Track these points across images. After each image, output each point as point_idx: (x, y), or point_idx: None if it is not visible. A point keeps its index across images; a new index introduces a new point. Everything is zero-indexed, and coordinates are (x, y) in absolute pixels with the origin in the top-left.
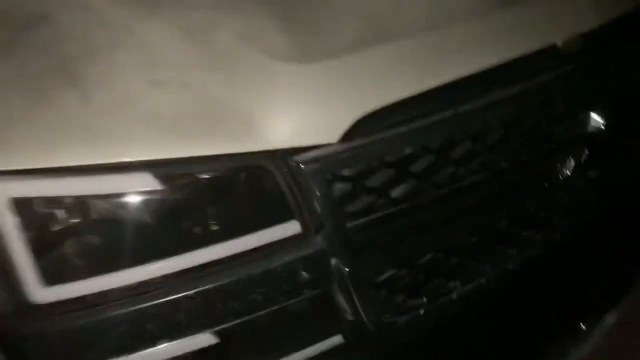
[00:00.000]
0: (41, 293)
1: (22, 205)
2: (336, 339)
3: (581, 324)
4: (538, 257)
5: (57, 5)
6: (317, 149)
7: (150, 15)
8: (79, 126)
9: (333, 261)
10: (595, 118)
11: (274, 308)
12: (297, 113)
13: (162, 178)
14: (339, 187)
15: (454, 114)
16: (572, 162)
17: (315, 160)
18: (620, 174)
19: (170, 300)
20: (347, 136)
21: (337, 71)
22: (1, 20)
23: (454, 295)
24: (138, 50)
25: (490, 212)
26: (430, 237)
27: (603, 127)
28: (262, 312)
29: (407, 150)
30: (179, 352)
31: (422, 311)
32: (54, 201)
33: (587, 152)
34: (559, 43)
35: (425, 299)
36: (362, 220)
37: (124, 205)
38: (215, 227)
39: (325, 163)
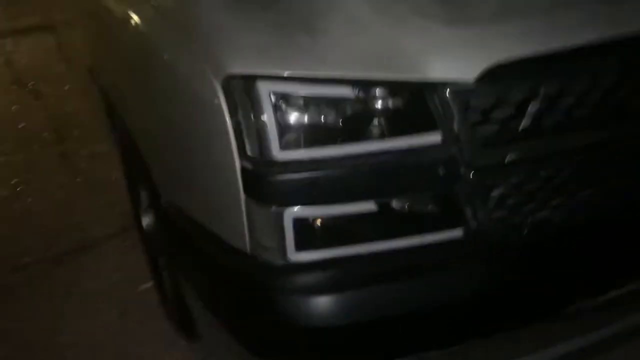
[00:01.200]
0: (280, 154)
1: (278, 96)
2: (458, 232)
3: None
4: None
5: None
6: (460, 84)
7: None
8: (310, 55)
9: (462, 167)
10: None
11: (416, 193)
12: (448, 60)
13: (357, 89)
14: (471, 113)
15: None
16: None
17: (456, 91)
18: None
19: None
20: (481, 79)
21: (479, 35)
22: None
23: (555, 216)
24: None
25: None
26: (534, 165)
27: None
28: (406, 194)
29: (519, 95)
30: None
31: (527, 222)
32: (298, 96)
33: None
34: None
35: (529, 214)
36: (484, 139)
37: (335, 103)
38: (388, 129)
39: (464, 94)
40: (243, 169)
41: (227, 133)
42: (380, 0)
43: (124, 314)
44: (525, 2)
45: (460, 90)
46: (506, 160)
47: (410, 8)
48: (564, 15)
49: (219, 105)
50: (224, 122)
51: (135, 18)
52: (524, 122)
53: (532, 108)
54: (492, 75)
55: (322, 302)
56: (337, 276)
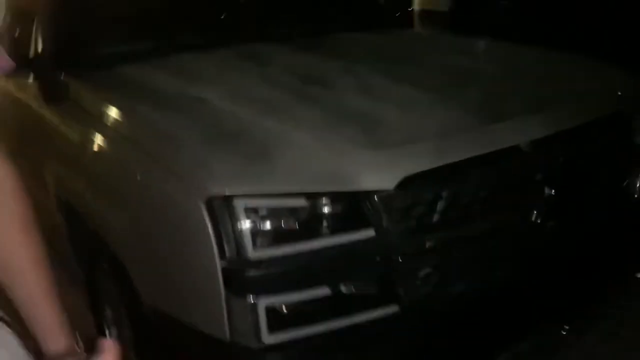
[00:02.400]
0: (253, 254)
1: (250, 210)
2: (394, 308)
3: None
4: None
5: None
6: (384, 191)
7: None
8: (272, 177)
9: (392, 254)
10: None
11: (359, 277)
12: (373, 175)
13: (309, 200)
14: (394, 213)
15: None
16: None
17: (382, 197)
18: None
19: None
20: (398, 187)
21: (394, 155)
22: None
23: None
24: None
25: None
26: (446, 249)
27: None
28: (352, 279)
29: (428, 197)
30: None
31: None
32: (265, 208)
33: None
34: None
35: (448, 289)
36: (406, 232)
37: (293, 212)
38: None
39: (388, 199)
40: (224, 268)
41: (209, 240)
42: (319, 133)
43: None
44: (425, 129)
45: (385, 196)
46: (425, 247)
47: (343, 138)
48: (453, 138)
49: (203, 219)
50: (207, 232)
51: (113, 149)
52: (434, 217)
53: (439, 207)
54: (407, 184)
55: None
56: (302, 353)
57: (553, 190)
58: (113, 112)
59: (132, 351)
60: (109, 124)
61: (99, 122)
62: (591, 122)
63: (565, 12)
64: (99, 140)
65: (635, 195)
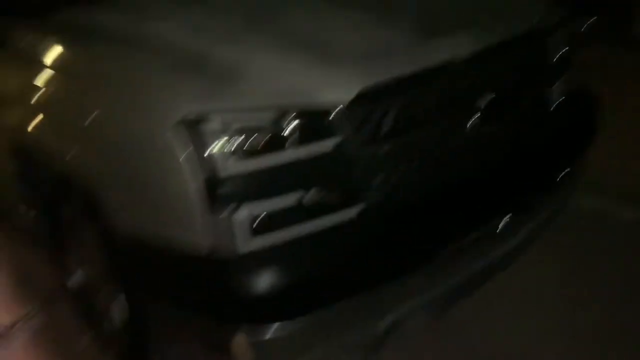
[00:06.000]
0: (229, 165)
1: (220, 128)
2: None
3: None
4: None
5: None
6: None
7: None
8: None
9: (352, 161)
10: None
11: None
12: (331, 91)
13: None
14: (352, 123)
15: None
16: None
17: (340, 110)
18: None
19: None
20: (354, 100)
21: (350, 71)
22: None
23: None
24: None
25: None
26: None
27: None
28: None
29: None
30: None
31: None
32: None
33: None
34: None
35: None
36: (363, 140)
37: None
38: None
39: (345, 111)
40: (199, 184)
41: (183, 159)
42: (277, 55)
43: None
44: (371, 47)
45: (343, 108)
46: (378, 155)
47: (300, 58)
48: (396, 55)
49: (174, 140)
50: (180, 151)
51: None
52: (386, 125)
53: (389, 118)
54: (361, 98)
55: (267, 277)
56: (278, 256)
57: (486, 98)
58: (69, 54)
59: (108, 285)
60: (69, 64)
61: (58, 63)
62: (516, 36)
63: None
64: (58, 82)
65: (557, 101)
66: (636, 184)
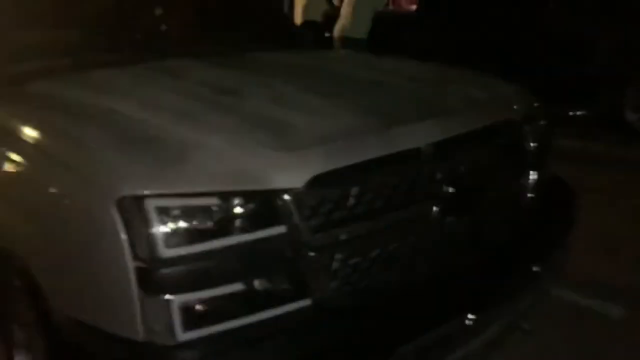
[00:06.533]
0: (165, 252)
1: (161, 209)
2: (307, 302)
3: None
4: None
5: None
6: (294, 190)
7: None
8: (183, 177)
9: (303, 249)
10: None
11: (272, 272)
12: (283, 174)
13: (220, 199)
14: (304, 209)
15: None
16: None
17: (291, 195)
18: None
19: None
20: (307, 185)
21: (302, 156)
22: None
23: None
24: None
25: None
26: (352, 244)
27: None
28: (264, 275)
29: (335, 195)
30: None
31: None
32: (176, 207)
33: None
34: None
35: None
36: (315, 227)
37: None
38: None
39: (297, 196)
40: (136, 268)
41: (121, 240)
42: (232, 137)
43: None
44: (332, 132)
45: (294, 194)
46: (332, 243)
47: (254, 141)
48: (358, 139)
49: (114, 220)
50: (119, 232)
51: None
52: (341, 214)
53: (345, 204)
54: (315, 183)
55: None
56: (217, 347)
57: (450, 189)
58: (23, 126)
59: None
60: (19, 138)
61: (8, 137)
62: (485, 127)
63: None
64: (8, 154)
65: (528, 195)
66: (623, 280)
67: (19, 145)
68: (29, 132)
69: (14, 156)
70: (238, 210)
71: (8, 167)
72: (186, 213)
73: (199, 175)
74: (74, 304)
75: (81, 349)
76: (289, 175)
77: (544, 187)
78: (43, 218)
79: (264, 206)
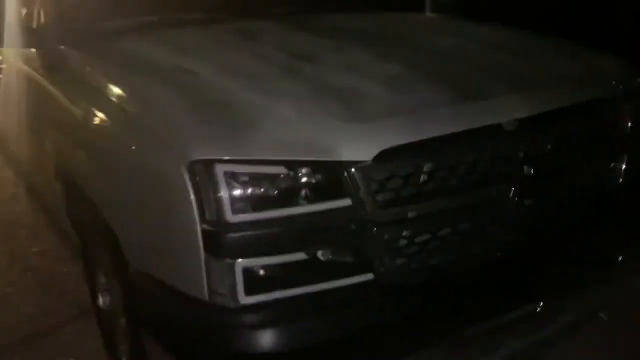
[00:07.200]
0: (232, 217)
1: (230, 174)
2: (368, 276)
3: None
4: None
5: None
6: (361, 163)
7: None
8: (253, 144)
9: (367, 224)
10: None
11: (335, 245)
12: (351, 147)
13: (288, 168)
14: (371, 184)
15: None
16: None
17: (359, 168)
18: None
19: None
20: (375, 159)
21: (372, 129)
22: None
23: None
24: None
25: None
26: (421, 222)
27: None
28: (328, 246)
29: (405, 171)
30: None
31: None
32: (245, 173)
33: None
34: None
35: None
36: (381, 203)
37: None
38: (311, 197)
39: (365, 170)
40: (203, 231)
41: (191, 204)
42: (302, 105)
43: None
44: (405, 104)
45: (362, 167)
46: (399, 219)
47: (324, 110)
48: (432, 113)
49: (184, 183)
50: (189, 195)
51: (107, 119)
52: (410, 191)
53: (414, 180)
54: (384, 157)
55: (265, 335)
56: (277, 313)
57: (532, 170)
58: (107, 83)
59: (123, 317)
60: (103, 94)
61: (93, 93)
62: (576, 104)
63: None
64: (94, 110)
65: (619, 180)
66: None
67: (101, 101)
68: (111, 89)
69: (96, 111)
70: (305, 180)
71: (91, 121)
72: (254, 180)
73: (269, 142)
74: (145, 258)
75: (153, 303)
76: (357, 148)
77: (638, 172)
78: (119, 174)
79: (331, 178)
